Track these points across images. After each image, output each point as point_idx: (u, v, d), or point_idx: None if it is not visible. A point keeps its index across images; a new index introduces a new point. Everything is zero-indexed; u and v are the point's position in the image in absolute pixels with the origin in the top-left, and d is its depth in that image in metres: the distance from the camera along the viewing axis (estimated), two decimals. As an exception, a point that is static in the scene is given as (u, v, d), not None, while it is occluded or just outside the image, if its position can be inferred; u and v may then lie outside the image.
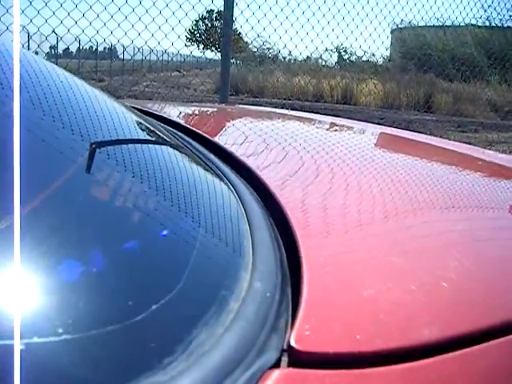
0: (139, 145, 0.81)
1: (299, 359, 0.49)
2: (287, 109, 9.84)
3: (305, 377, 0.47)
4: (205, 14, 29.64)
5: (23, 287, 0.44)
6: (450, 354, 0.53)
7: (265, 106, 9.71)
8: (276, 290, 0.56)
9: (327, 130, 1.71)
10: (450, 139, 8.07)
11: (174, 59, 27.05)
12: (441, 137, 8.16)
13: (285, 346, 0.49)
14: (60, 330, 0.42)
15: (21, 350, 0.36)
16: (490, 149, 7.72)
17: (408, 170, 1.19)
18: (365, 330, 0.54)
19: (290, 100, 11.08)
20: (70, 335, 0.42)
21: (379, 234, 0.79)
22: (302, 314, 0.53)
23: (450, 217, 0.94)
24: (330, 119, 1.99)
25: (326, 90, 12.78)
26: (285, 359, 0.49)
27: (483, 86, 11.71)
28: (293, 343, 0.49)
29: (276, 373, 0.46)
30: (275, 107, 9.96)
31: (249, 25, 7.07)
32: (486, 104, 11.84)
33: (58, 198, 0.58)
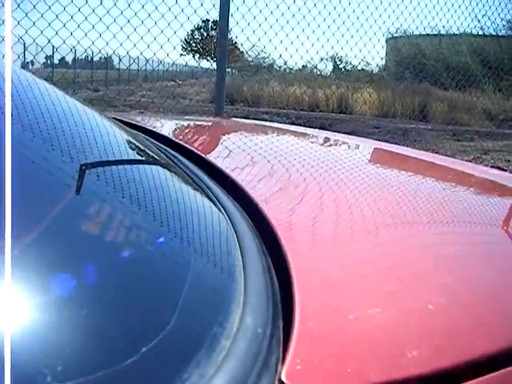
0: (126, 163, 0.78)
1: None
2: (283, 118, 9.87)
3: None
4: (200, 23, 29.74)
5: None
6: None
7: (260, 116, 9.74)
8: (267, 325, 0.54)
9: (321, 144, 1.71)
10: (445, 148, 8.09)
11: (170, 69, 27.08)
12: (436, 146, 8.19)
13: (276, 383, 0.48)
14: (47, 378, 0.40)
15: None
16: (485, 157, 7.73)
17: (399, 186, 1.18)
18: (357, 363, 0.53)
19: (285, 109, 11.10)
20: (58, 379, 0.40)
21: (372, 257, 0.78)
22: (293, 348, 0.52)
23: (441, 235, 0.94)
24: (324, 134, 1.99)
25: (322, 100, 12.80)
26: None
27: (478, 94, 11.74)
28: (283, 379, 0.48)
29: None
30: (271, 117, 9.99)
31: (244, 35, 7.08)
32: (481, 112, 11.87)
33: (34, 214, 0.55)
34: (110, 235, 0.59)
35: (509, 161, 7.62)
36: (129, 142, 0.93)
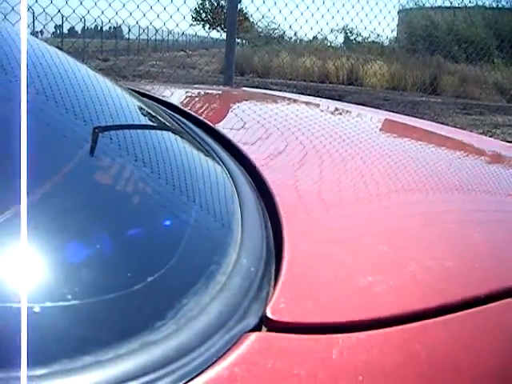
0: (137, 128, 0.85)
1: (275, 327, 0.56)
2: (292, 89, 9.82)
3: (279, 339, 0.54)
4: (211, -7, 29.47)
5: (27, 259, 0.50)
6: (412, 325, 0.60)
7: (270, 87, 9.70)
8: (260, 266, 0.62)
9: (330, 114, 1.70)
10: (455, 122, 8.05)
11: (180, 40, 26.92)
12: (446, 119, 8.15)
13: (264, 314, 0.56)
14: (67, 296, 0.50)
15: (24, 314, 0.43)
16: (495, 131, 7.69)
17: (406, 157, 1.19)
18: (336, 305, 0.61)
19: (295, 81, 11.05)
20: (75, 301, 0.50)
21: (365, 219, 0.83)
22: (279, 288, 0.60)
23: (443, 204, 0.96)
24: (334, 104, 1.98)
25: (332, 71, 12.73)
26: (264, 326, 0.56)
27: (489, 68, 11.64)
28: (268, 314, 0.56)
29: (253, 335, 0.54)
30: (280, 88, 9.94)
31: (254, 6, 7.02)
32: (491, 87, 11.78)
33: (56, 181, 0.63)
34: (120, 186, 0.69)
35: (519, 135, 7.59)
36: (138, 108, 0.98)
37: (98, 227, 0.62)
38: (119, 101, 0.95)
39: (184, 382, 0.47)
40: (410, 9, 13.93)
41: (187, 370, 0.48)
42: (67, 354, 0.46)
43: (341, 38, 14.94)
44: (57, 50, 1.03)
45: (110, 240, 0.59)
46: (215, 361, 0.50)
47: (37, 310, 0.47)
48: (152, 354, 0.48)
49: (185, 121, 1.11)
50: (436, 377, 0.59)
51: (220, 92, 2.12)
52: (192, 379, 0.48)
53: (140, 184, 0.71)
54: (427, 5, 11.70)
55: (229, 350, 0.51)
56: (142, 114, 0.98)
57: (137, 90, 1.33)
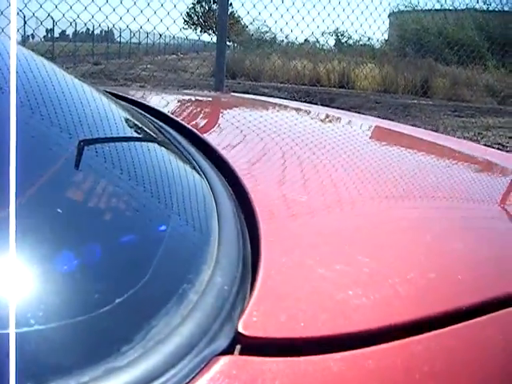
0: (117, 140, 0.83)
1: (247, 344, 0.54)
2: (284, 92, 9.83)
3: (250, 362, 0.52)
4: (202, -4, 29.49)
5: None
6: (394, 343, 0.59)
7: (261, 90, 9.69)
8: (234, 284, 0.60)
9: (318, 120, 1.68)
10: (446, 124, 8.07)
11: (171, 43, 26.88)
12: (437, 122, 8.16)
13: (236, 329, 0.55)
14: (32, 321, 0.48)
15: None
16: (486, 133, 7.71)
17: (391, 164, 1.18)
18: (312, 319, 0.59)
19: (286, 84, 11.06)
20: (36, 325, 0.48)
21: (347, 230, 0.82)
22: (252, 303, 0.58)
23: (427, 210, 0.96)
24: (324, 110, 1.98)
25: (323, 74, 12.75)
26: (238, 347, 0.54)
27: (480, 70, 11.68)
28: (240, 329, 0.55)
29: (223, 359, 0.52)
30: (271, 91, 9.95)
31: (245, 9, 7.03)
32: (482, 89, 11.82)
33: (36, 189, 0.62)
34: (89, 199, 0.66)
35: (510, 137, 7.62)
36: (120, 117, 0.97)
37: (62, 243, 0.58)
38: (101, 110, 0.93)
39: None
40: (401, 12, 13.96)
41: None
42: (26, 382, 0.44)
43: (332, 41, 14.96)
44: (42, 57, 1.01)
45: (74, 257, 0.57)
46: None
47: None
48: (117, 382, 0.46)
49: (167, 128, 1.09)
50: None
51: (207, 98, 2.10)
52: None
53: (111, 197, 0.68)
54: (418, 8, 11.70)
55: (197, 374, 0.49)
56: (123, 122, 0.96)
57: (121, 95, 1.32)
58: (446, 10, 12.04)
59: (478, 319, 0.66)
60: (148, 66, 12.90)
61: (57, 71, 0.97)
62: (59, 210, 0.61)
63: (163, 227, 0.68)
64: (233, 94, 2.58)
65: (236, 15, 11.61)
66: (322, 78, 12.61)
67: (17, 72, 0.81)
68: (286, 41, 12.82)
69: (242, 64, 12.99)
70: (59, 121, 0.77)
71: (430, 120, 8.42)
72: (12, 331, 0.41)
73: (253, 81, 11.75)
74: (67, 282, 0.54)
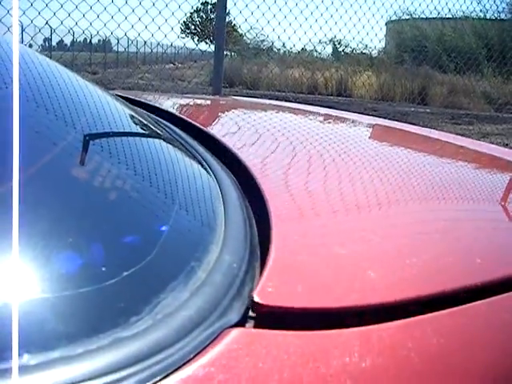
0: (124, 135, 0.87)
1: (261, 315, 0.55)
2: (281, 101, 9.83)
3: (262, 335, 0.53)
4: (199, 6, 29.57)
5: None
6: (410, 319, 0.59)
7: (259, 98, 9.69)
8: (243, 263, 0.62)
9: (319, 120, 1.70)
10: (444, 131, 8.08)
11: (168, 51, 26.95)
12: (434, 129, 8.16)
13: (248, 305, 0.56)
14: (38, 289, 0.51)
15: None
16: (484, 141, 7.72)
17: (396, 161, 1.19)
18: (327, 290, 0.61)
19: (284, 92, 11.06)
20: (46, 294, 0.51)
21: (356, 215, 0.85)
22: (267, 274, 0.60)
23: (432, 207, 0.96)
24: (324, 110, 1.99)
25: (321, 83, 12.75)
26: (250, 321, 0.55)
27: (478, 78, 11.70)
28: (256, 298, 0.56)
29: (235, 331, 0.52)
30: (269, 99, 9.93)
31: (242, 16, 7.06)
32: (480, 96, 11.84)
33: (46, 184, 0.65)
34: (104, 183, 0.70)
35: (507, 144, 7.62)
36: (129, 115, 1.00)
37: (76, 220, 0.61)
38: (107, 108, 0.96)
39: (159, 378, 0.46)
40: (398, 20, 13.99)
41: (162, 367, 0.47)
42: (33, 348, 0.45)
43: (329, 49, 14.98)
44: (46, 58, 1.05)
45: (88, 233, 0.60)
46: (193, 357, 0.49)
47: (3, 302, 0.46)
48: (124, 351, 0.47)
49: (171, 125, 1.12)
50: (430, 372, 0.57)
51: (209, 100, 2.13)
52: (167, 376, 0.46)
53: (123, 181, 0.72)
54: (416, 16, 11.75)
55: (208, 345, 0.50)
56: (129, 120, 0.99)
57: (126, 96, 1.33)
58: (443, 18, 12.08)
59: (492, 298, 0.67)
60: (145, 74, 12.91)
61: (70, 75, 1.01)
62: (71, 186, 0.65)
63: (171, 211, 0.71)
64: (234, 97, 2.62)
65: (233, 24, 11.62)
66: (320, 86, 12.61)
67: (30, 74, 0.84)
68: (283, 49, 12.82)
69: (239, 72, 13.01)
70: (64, 115, 0.80)
71: (427, 127, 8.42)
72: (15, 301, 0.42)
73: (251, 89, 11.76)
74: (81, 253, 0.57)
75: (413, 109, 10.44)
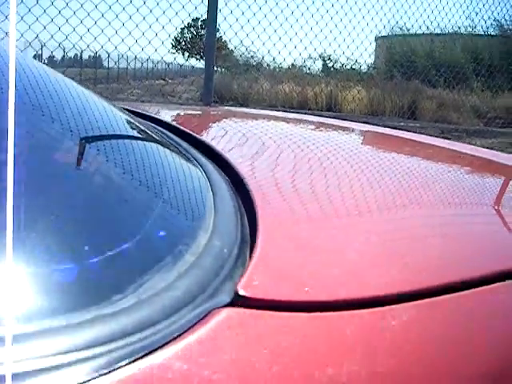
0: (120, 137, 0.90)
1: (247, 304, 0.56)
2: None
3: (251, 315, 0.55)
4: (191, 22, 29.68)
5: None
6: (391, 306, 0.62)
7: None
8: (233, 248, 0.64)
9: (310, 128, 1.72)
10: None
11: (159, 66, 27.03)
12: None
13: (236, 291, 0.57)
14: (25, 262, 0.52)
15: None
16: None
17: (391, 168, 1.19)
18: (309, 283, 0.62)
19: (274, 107, 11.09)
20: (34, 267, 0.52)
21: (340, 207, 0.88)
22: (252, 266, 0.62)
23: (422, 213, 0.97)
24: (315, 119, 2.01)
25: (311, 98, 12.79)
26: (237, 303, 0.56)
27: (467, 92, 11.77)
28: (240, 291, 0.57)
29: (224, 311, 0.54)
30: (260, 114, 9.96)
31: (232, 31, 7.10)
32: (469, 110, 11.90)
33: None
34: (99, 170, 0.72)
35: (497, 158, 7.66)
36: (125, 121, 1.03)
37: (64, 199, 0.63)
38: (104, 114, 0.98)
39: (142, 354, 0.46)
40: (387, 36, 14.09)
41: (146, 343, 0.48)
42: (15, 320, 0.46)
43: (319, 65, 15.05)
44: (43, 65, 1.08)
45: (77, 212, 0.61)
46: (180, 335, 0.49)
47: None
48: (106, 327, 0.48)
49: (164, 130, 1.15)
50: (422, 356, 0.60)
51: (202, 110, 2.16)
52: (151, 352, 0.47)
53: (116, 171, 0.74)
54: (404, 31, 11.84)
55: (196, 324, 0.51)
56: (123, 123, 1.02)
57: (122, 106, 1.35)
58: (432, 34, 12.18)
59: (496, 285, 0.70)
60: (135, 90, 12.94)
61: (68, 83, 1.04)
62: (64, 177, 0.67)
63: (158, 199, 0.73)
64: (225, 107, 2.71)
65: (223, 40, 11.68)
66: (310, 101, 12.66)
67: (30, 85, 0.85)
68: (273, 65, 12.89)
69: (229, 87, 13.03)
70: (62, 122, 0.81)
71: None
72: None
73: (241, 105, 11.79)
74: (68, 229, 0.58)
75: (402, 123, 10.48)
